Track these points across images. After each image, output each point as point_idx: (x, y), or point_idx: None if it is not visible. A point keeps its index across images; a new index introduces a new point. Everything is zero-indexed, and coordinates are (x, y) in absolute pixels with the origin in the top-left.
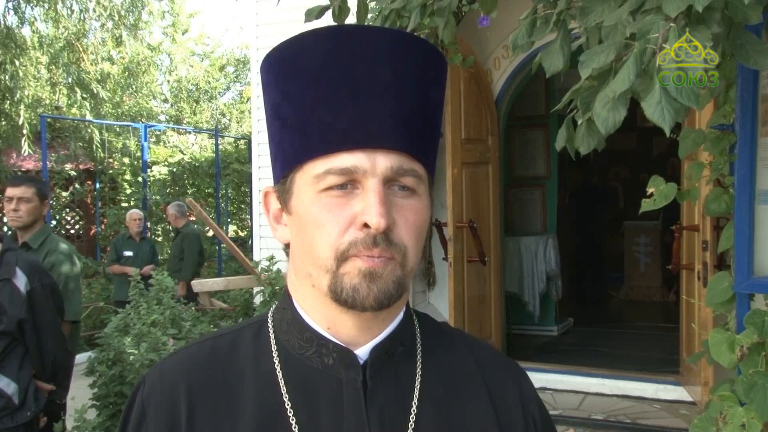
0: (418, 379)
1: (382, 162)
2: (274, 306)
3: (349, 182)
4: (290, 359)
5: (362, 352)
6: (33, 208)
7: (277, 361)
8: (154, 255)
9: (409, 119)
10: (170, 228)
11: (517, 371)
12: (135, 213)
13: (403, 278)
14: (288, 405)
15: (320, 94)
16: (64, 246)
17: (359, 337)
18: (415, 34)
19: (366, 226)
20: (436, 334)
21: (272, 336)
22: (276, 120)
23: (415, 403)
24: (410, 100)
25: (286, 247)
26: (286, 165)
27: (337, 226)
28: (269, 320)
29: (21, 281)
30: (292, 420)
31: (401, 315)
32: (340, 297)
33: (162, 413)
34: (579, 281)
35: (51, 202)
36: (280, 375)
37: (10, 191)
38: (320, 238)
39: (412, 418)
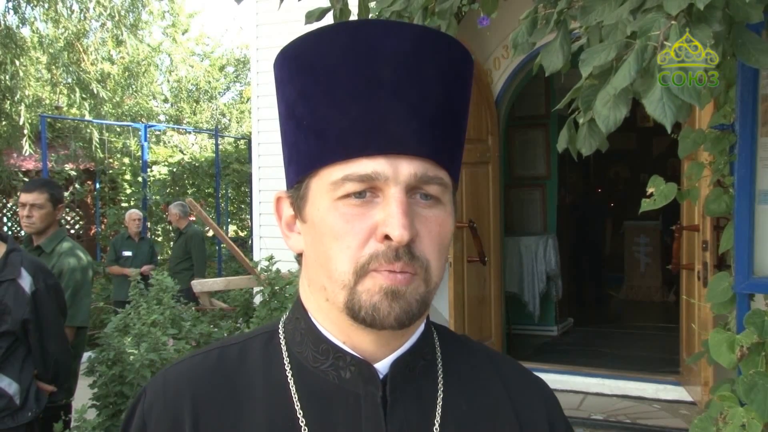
0: (440, 395)
1: (405, 169)
2: (284, 315)
3: (368, 189)
4: (304, 372)
5: (382, 366)
6: (46, 214)
7: (289, 374)
8: (153, 255)
9: (435, 122)
10: (170, 228)
11: (541, 385)
12: (134, 213)
13: (427, 295)
14: (302, 422)
15: (338, 94)
16: (77, 252)
17: (378, 350)
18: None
19: (387, 238)
20: (456, 347)
21: (284, 347)
22: (290, 119)
23: (437, 420)
24: (436, 102)
25: (299, 256)
26: (300, 170)
27: (356, 238)
28: (280, 330)
29: (26, 281)
30: None
31: (422, 327)
32: (358, 315)
33: (164, 425)
34: (579, 281)
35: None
36: (293, 388)
37: (24, 197)
38: (338, 251)
39: None
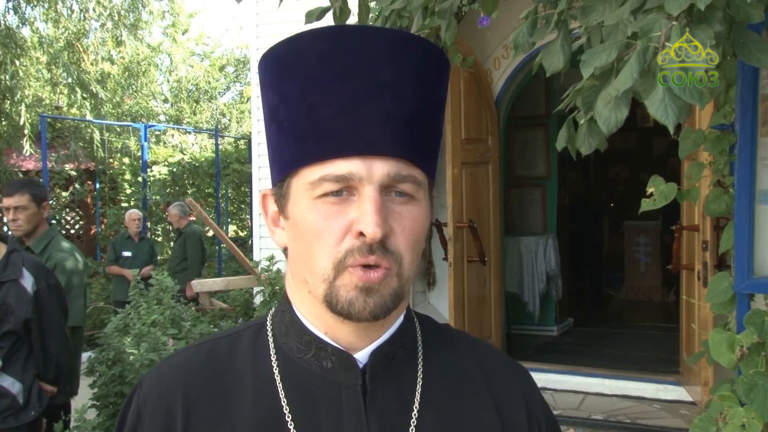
0: (420, 382)
1: (379, 169)
2: (273, 309)
3: (345, 189)
4: (289, 363)
5: (362, 356)
6: (31, 215)
7: (275, 365)
8: (153, 255)
9: (409, 123)
10: (170, 228)
11: (521, 373)
12: (134, 213)
13: (400, 289)
14: (286, 409)
15: (316, 98)
16: (68, 250)
17: (358, 341)
18: (416, 34)
19: (362, 234)
20: (437, 337)
21: (271, 339)
22: (273, 122)
23: (416, 407)
24: (410, 103)
25: (285, 250)
26: (282, 169)
27: (334, 235)
28: (268, 323)
29: (28, 282)
30: (291, 424)
31: (401, 318)
32: (336, 308)
33: (158, 417)
34: (579, 281)
35: (51, 202)
36: (278, 379)
37: (6, 201)
38: (318, 247)
39: (413, 422)
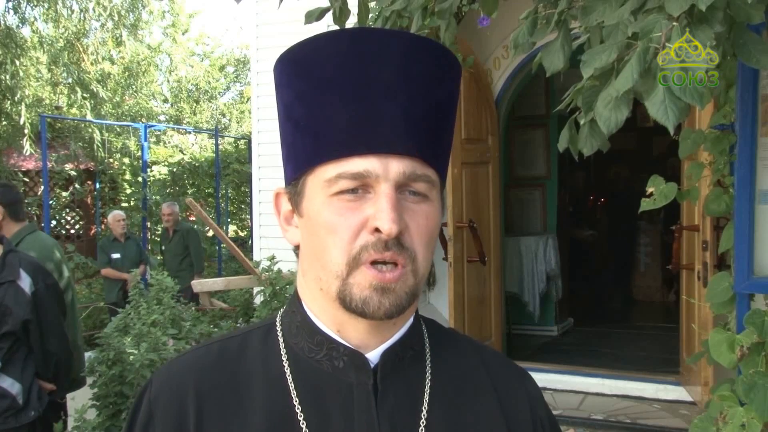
0: (428, 382)
1: (395, 167)
2: (282, 309)
3: (360, 187)
4: (300, 362)
5: (373, 355)
6: None
7: (286, 365)
8: (141, 254)
9: (423, 124)
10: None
11: (524, 376)
12: (118, 214)
13: (415, 287)
14: (298, 408)
15: (332, 97)
16: (34, 252)
17: (369, 340)
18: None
19: (377, 230)
20: (443, 339)
21: (281, 339)
22: (288, 121)
23: (425, 406)
24: (423, 104)
25: (296, 248)
26: (297, 167)
27: (349, 231)
28: (278, 323)
29: (26, 282)
30: (302, 423)
31: (411, 319)
32: (349, 306)
33: (170, 415)
34: (579, 281)
35: (51, 202)
36: (289, 378)
37: None
38: (332, 243)
39: (423, 422)
